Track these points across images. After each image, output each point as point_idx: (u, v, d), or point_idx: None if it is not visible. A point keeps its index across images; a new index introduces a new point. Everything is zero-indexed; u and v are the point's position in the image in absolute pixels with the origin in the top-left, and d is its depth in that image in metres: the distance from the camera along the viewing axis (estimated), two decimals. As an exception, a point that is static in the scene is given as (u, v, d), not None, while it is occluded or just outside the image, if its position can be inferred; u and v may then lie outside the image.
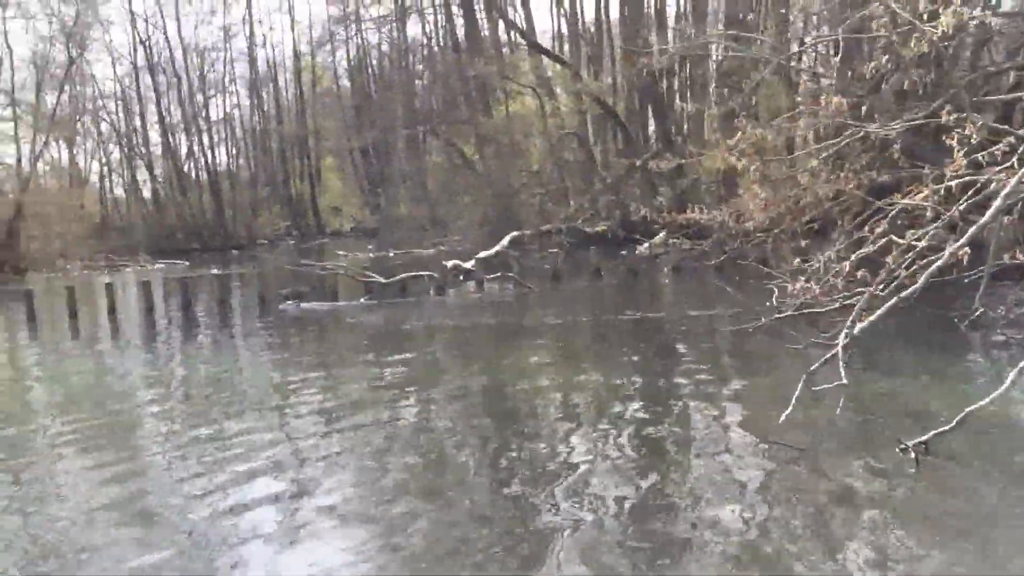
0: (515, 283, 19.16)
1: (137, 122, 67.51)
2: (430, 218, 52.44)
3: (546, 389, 9.14)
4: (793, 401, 6.92)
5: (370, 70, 67.36)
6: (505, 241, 24.07)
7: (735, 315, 12.65)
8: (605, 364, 10.20)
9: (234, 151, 70.77)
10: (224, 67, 71.22)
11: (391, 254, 31.66)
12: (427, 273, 19.26)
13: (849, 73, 16.42)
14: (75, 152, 65.18)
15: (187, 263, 42.43)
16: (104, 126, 67.44)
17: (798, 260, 10.88)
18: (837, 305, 9.89)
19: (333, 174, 76.42)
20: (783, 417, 6.84)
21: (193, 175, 68.28)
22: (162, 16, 68.95)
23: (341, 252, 33.26)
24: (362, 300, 18.30)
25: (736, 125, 12.31)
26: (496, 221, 28.26)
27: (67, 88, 56.82)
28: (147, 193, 67.60)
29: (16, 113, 51.06)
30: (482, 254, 22.33)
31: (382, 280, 18.66)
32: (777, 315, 11.21)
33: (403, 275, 19.34)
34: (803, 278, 9.97)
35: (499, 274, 18.95)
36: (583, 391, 8.98)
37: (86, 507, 5.99)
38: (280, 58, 74.61)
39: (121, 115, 68.05)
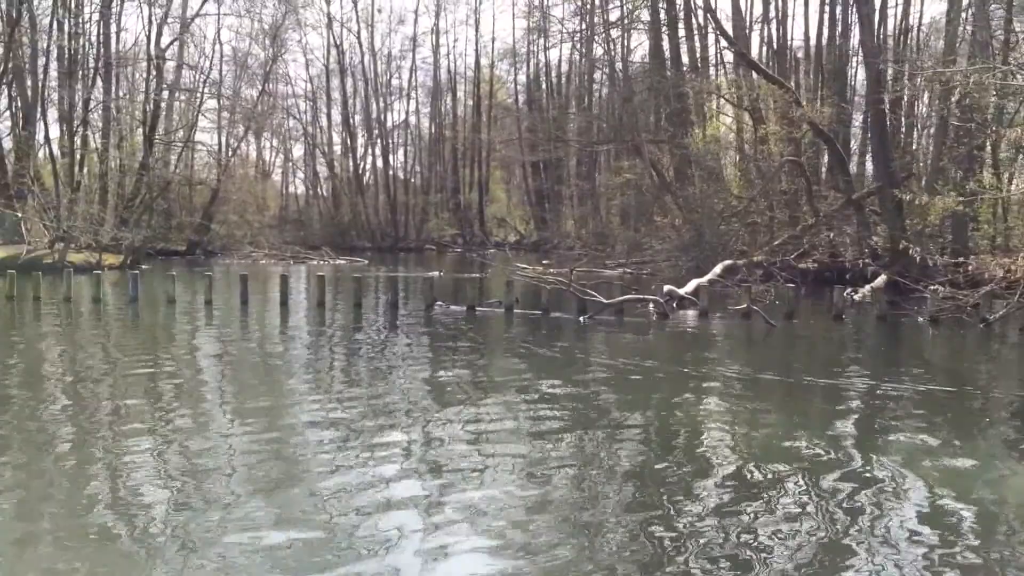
0: (741, 315, 17.42)
1: (323, 120, 70.91)
2: (602, 238, 51.50)
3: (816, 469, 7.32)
4: None
5: (546, 85, 67.08)
6: (718, 269, 22.49)
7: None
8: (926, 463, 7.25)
9: (409, 156, 72.53)
10: (407, 74, 73.29)
11: (572, 271, 30.55)
12: (653, 298, 17.92)
13: None
14: (262, 146, 68.52)
15: (366, 261, 42.83)
16: (292, 122, 70.51)
17: None
18: None
19: (500, 186, 76.82)
20: None
21: (369, 177, 70.23)
22: (357, 21, 71.22)
23: (523, 265, 32.24)
24: (581, 319, 17.11)
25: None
26: (696, 247, 26.58)
27: (264, 85, 59.07)
28: (325, 191, 70.29)
29: (221, 104, 53.52)
30: (695, 282, 20.75)
31: (603, 300, 17.48)
32: None
33: (625, 296, 18.12)
34: None
35: (743, 306, 17.24)
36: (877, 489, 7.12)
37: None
38: (461, 68, 75.78)
39: (308, 114, 71.59)
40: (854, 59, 37.50)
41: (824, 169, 34.09)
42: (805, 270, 24.86)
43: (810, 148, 29.34)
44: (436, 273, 30.93)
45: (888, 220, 26.03)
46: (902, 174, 27.84)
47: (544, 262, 37.58)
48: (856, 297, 21.82)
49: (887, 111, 26.81)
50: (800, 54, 39.92)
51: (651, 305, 18.49)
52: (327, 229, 62.23)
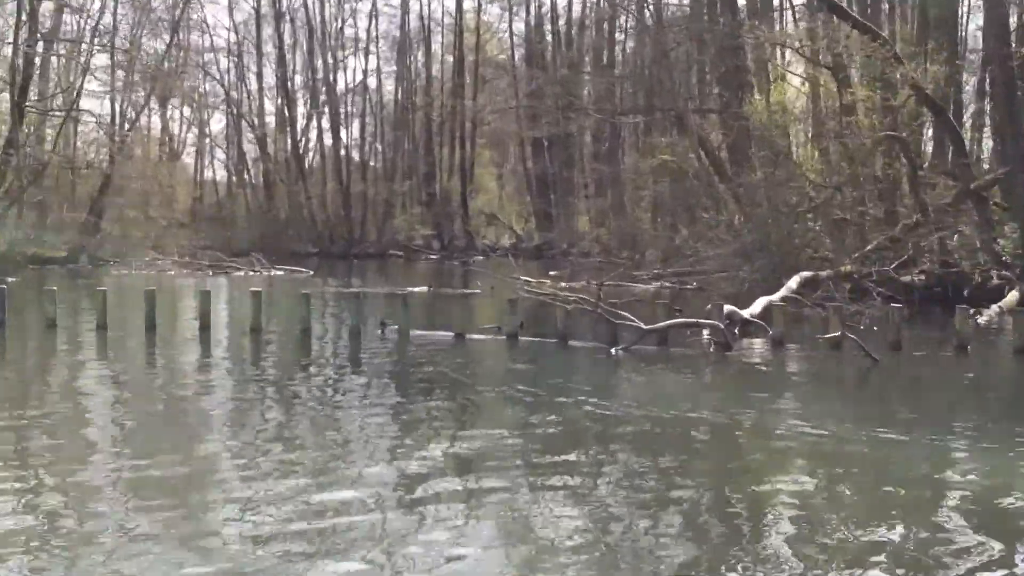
0: (829, 345, 17.17)
1: (252, 83, 71.16)
2: (628, 241, 51.25)
3: None
4: None
5: (553, 36, 67.04)
6: (793, 283, 22.24)
7: None
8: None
9: (368, 131, 72.76)
10: (366, 21, 73.48)
11: (593, 284, 30.28)
12: (709, 322, 17.62)
13: None
14: (169, 117, 68.32)
15: (311, 271, 42.59)
16: (210, 84, 70.44)
17: None
18: None
19: (489, 172, 76.87)
20: None
21: (314, 158, 70.14)
22: (297, -50, 70.97)
23: (525, 278, 31.99)
24: (613, 351, 16.82)
25: None
26: (761, 253, 26.34)
27: (174, 35, 58.93)
28: (254, 178, 70.22)
29: (114, 61, 53.15)
30: (763, 300, 20.49)
31: (642, 325, 17.18)
32: None
33: (673, 321, 17.85)
34: None
35: (836, 334, 16.92)
36: None
37: None
38: (438, 13, 76.11)
39: (232, 73, 71.71)
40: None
41: (928, 149, 33.99)
42: (909, 284, 24.61)
43: (910, 121, 29.14)
44: (424, 288, 30.89)
45: (1019, 216, 25.82)
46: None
47: (552, 273, 37.39)
48: (980, 320, 21.56)
49: (1016, 69, 26.67)
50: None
51: (705, 332, 18.20)
52: (258, 228, 62.39)
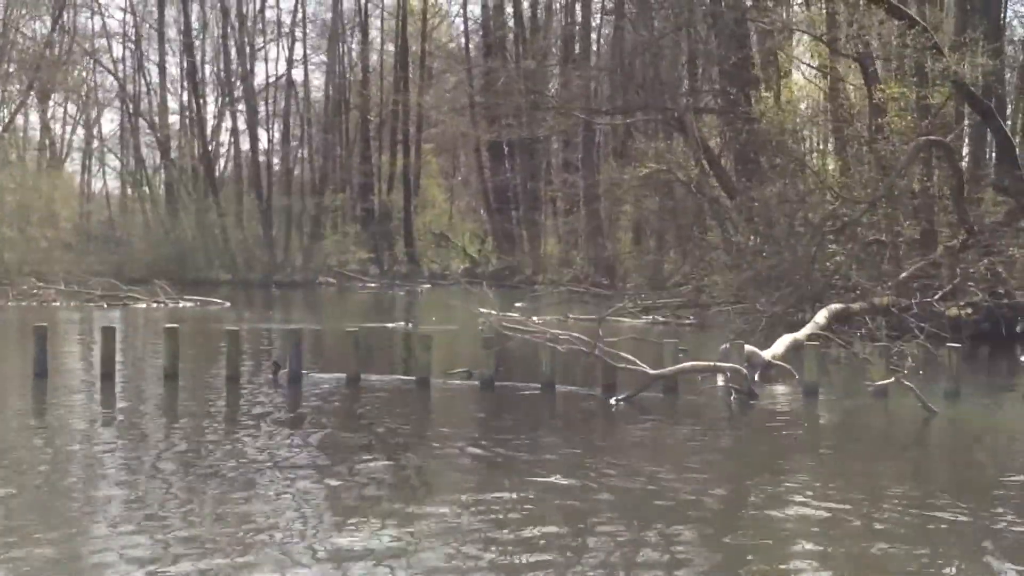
0: (873, 392, 16.96)
1: (153, 74, 70.25)
2: (607, 267, 51.14)
3: None
4: None
5: (516, 21, 67.02)
6: (820, 318, 22.07)
7: None
8: None
9: (293, 134, 71.92)
10: (292, 1, 73.04)
11: (569, 319, 30.05)
12: (728, 366, 17.29)
13: None
14: (51, 116, 67.54)
15: (227, 303, 42.00)
16: (100, 77, 69.75)
17: None
18: None
19: (438, 183, 76.70)
20: None
21: (227, 166, 69.62)
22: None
23: (486, 310, 31.69)
24: (613, 401, 16.47)
25: None
26: (779, 282, 26.20)
27: (57, 16, 58.34)
28: (156, 190, 69.58)
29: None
30: (787, 338, 20.31)
31: (647, 370, 16.82)
32: None
33: (683, 365, 17.48)
34: None
35: (889, 380, 16.67)
36: None
37: None
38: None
39: (128, 64, 70.93)
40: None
41: (966, 158, 34.15)
42: (957, 319, 24.57)
43: (952, 124, 29.30)
44: (404, 324, 30.72)
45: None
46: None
47: (517, 305, 37.04)
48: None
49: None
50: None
51: (720, 378, 17.86)
52: (159, 251, 61.96)
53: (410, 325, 30.34)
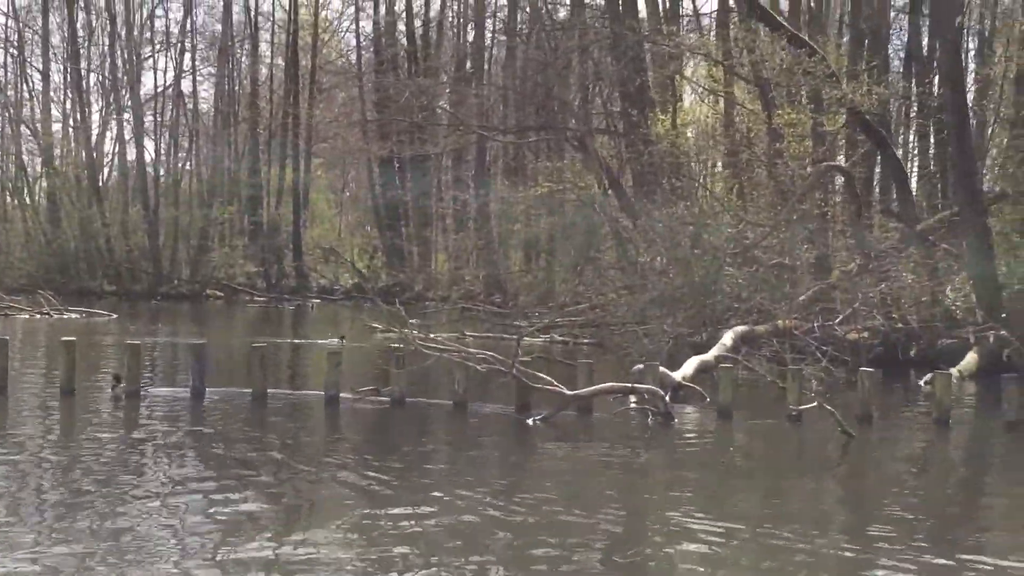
0: (787, 417, 16.90)
1: (35, 80, 69.18)
2: (496, 283, 50.95)
3: None
4: None
5: (409, 38, 66.93)
6: (727, 340, 22.10)
7: None
8: None
9: (181, 146, 71.08)
10: (179, 12, 72.25)
11: (467, 336, 29.74)
12: (646, 387, 17.12)
13: None
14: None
15: (113, 314, 41.05)
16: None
17: None
18: None
19: (327, 198, 76.30)
20: None
21: (112, 176, 68.26)
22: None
23: (377, 325, 31.46)
24: (531, 421, 16.20)
25: None
26: (684, 303, 26.23)
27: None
28: (36, 198, 68.22)
29: None
30: (696, 360, 20.33)
31: (564, 391, 16.60)
32: None
33: (601, 386, 17.27)
34: None
35: (812, 404, 16.60)
36: None
37: None
38: (267, 5, 75.27)
39: (9, 70, 69.98)
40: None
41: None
42: (857, 342, 24.79)
43: (848, 150, 29.85)
44: (336, 340, 30.05)
45: (975, 263, 26.24)
46: (990, 191, 28.48)
47: (413, 321, 36.59)
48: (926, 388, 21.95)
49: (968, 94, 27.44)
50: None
51: (633, 399, 17.68)
52: (40, 260, 61.42)
53: (343, 341, 29.57)
